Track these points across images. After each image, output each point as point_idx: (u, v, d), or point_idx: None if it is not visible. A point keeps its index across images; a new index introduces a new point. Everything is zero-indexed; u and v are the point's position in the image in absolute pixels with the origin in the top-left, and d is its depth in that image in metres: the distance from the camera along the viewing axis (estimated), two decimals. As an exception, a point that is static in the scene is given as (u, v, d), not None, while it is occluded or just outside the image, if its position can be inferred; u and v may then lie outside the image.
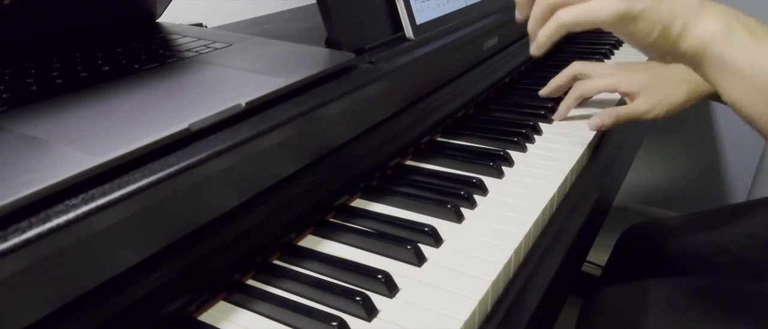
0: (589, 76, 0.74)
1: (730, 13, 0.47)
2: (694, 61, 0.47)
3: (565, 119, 0.75)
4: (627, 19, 0.46)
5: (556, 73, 0.78)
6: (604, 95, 0.78)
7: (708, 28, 0.45)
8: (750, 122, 0.46)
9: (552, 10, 0.50)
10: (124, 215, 0.33)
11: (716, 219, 0.83)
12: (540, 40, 0.51)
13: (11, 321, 0.30)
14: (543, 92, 0.79)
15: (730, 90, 0.45)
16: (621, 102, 0.76)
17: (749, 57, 0.44)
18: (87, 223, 0.31)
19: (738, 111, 0.46)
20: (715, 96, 0.71)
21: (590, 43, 1.08)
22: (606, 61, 0.99)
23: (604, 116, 0.70)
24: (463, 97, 0.74)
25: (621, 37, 0.49)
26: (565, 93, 0.76)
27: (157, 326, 0.39)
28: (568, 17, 0.49)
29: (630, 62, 0.76)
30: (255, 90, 0.45)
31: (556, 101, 0.78)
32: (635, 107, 0.70)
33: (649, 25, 0.46)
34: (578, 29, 0.49)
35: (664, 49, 0.47)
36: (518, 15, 0.55)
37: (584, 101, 0.79)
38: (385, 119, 0.58)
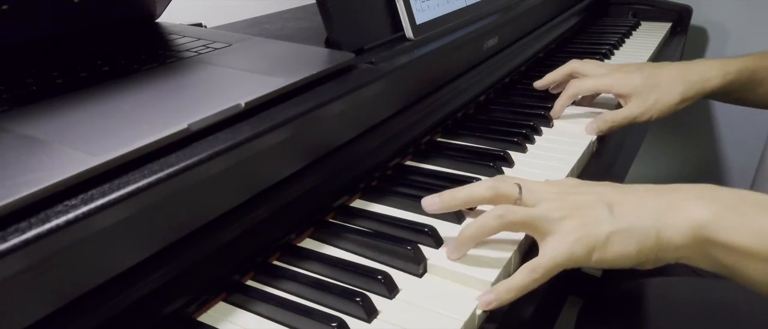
0: (584, 74, 0.75)
1: (700, 194, 0.43)
2: (699, 259, 0.42)
3: (566, 119, 0.75)
4: (597, 251, 0.42)
5: (557, 73, 0.78)
6: (603, 96, 0.78)
7: (690, 220, 0.41)
8: None
9: (509, 227, 0.45)
10: (124, 215, 0.33)
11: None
12: (490, 305, 0.43)
13: (11, 321, 0.30)
14: (538, 83, 0.79)
15: (753, 276, 0.40)
16: (618, 104, 0.76)
17: (752, 234, 0.39)
18: (87, 223, 0.31)
19: None
20: (710, 95, 0.71)
21: (590, 43, 1.08)
22: (606, 61, 0.98)
23: (600, 123, 0.70)
24: (463, 97, 0.74)
25: (606, 268, 0.45)
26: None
27: (157, 326, 0.39)
28: (542, 274, 0.43)
29: (625, 63, 0.76)
30: (255, 90, 0.45)
31: (555, 99, 0.78)
32: (629, 111, 0.70)
33: (622, 248, 0.42)
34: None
35: (653, 261, 0.43)
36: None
37: (586, 102, 0.79)
38: (385, 119, 0.58)
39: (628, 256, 0.42)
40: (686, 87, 0.69)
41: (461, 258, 0.46)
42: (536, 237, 0.45)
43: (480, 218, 0.45)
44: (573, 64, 0.76)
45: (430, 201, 0.48)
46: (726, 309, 0.61)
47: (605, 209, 0.44)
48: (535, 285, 0.43)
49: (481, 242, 0.48)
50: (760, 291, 0.41)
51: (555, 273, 0.43)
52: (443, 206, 0.48)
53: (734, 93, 0.71)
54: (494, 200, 0.47)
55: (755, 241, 0.39)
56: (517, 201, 0.46)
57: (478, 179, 0.57)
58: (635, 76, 0.70)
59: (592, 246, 0.42)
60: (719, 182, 1.45)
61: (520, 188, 0.46)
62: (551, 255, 0.43)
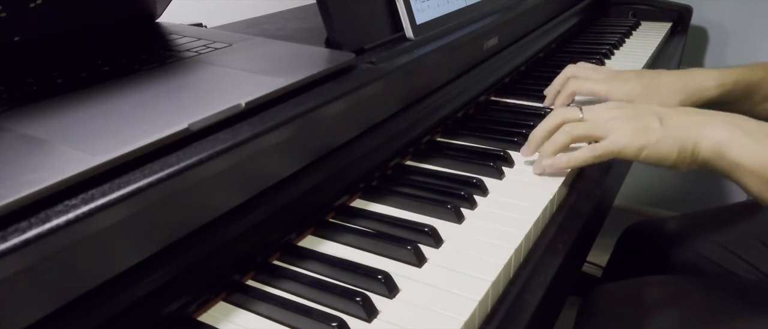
0: (583, 77, 0.75)
1: (729, 120, 0.53)
2: (716, 167, 0.53)
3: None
4: (646, 149, 0.54)
5: (556, 73, 0.78)
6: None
7: (715, 138, 0.52)
8: None
9: (574, 139, 0.58)
10: (124, 215, 0.33)
11: (716, 219, 0.83)
12: (556, 166, 0.58)
13: (11, 321, 0.30)
14: (546, 102, 0.78)
15: (748, 186, 0.51)
16: None
17: (753, 157, 0.50)
18: (87, 223, 0.31)
19: (761, 202, 0.52)
20: (707, 104, 0.71)
21: (590, 42, 1.08)
22: (606, 62, 0.98)
23: None
24: (463, 97, 0.74)
25: (644, 164, 0.55)
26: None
27: (157, 326, 0.39)
28: (601, 152, 0.56)
29: (622, 70, 0.76)
30: (255, 90, 0.45)
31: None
32: None
33: (666, 150, 0.54)
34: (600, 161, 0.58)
35: (686, 165, 0.54)
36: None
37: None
38: (385, 119, 0.58)
39: (668, 158, 0.54)
40: (685, 96, 0.69)
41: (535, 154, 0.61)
42: (598, 140, 0.57)
43: (553, 137, 0.59)
44: (570, 69, 0.76)
45: (523, 150, 0.63)
46: (726, 308, 0.61)
47: (657, 120, 0.55)
48: (592, 161, 0.57)
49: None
50: (753, 196, 0.52)
51: (608, 158, 0.57)
52: (532, 148, 0.61)
53: (731, 103, 0.72)
54: (562, 124, 0.59)
55: (755, 163, 0.50)
56: (581, 120, 0.58)
57: (478, 179, 0.58)
58: (634, 84, 0.70)
59: (644, 146, 0.54)
60: (720, 181, 1.45)
61: (581, 110, 0.59)
62: (610, 141, 0.55)
